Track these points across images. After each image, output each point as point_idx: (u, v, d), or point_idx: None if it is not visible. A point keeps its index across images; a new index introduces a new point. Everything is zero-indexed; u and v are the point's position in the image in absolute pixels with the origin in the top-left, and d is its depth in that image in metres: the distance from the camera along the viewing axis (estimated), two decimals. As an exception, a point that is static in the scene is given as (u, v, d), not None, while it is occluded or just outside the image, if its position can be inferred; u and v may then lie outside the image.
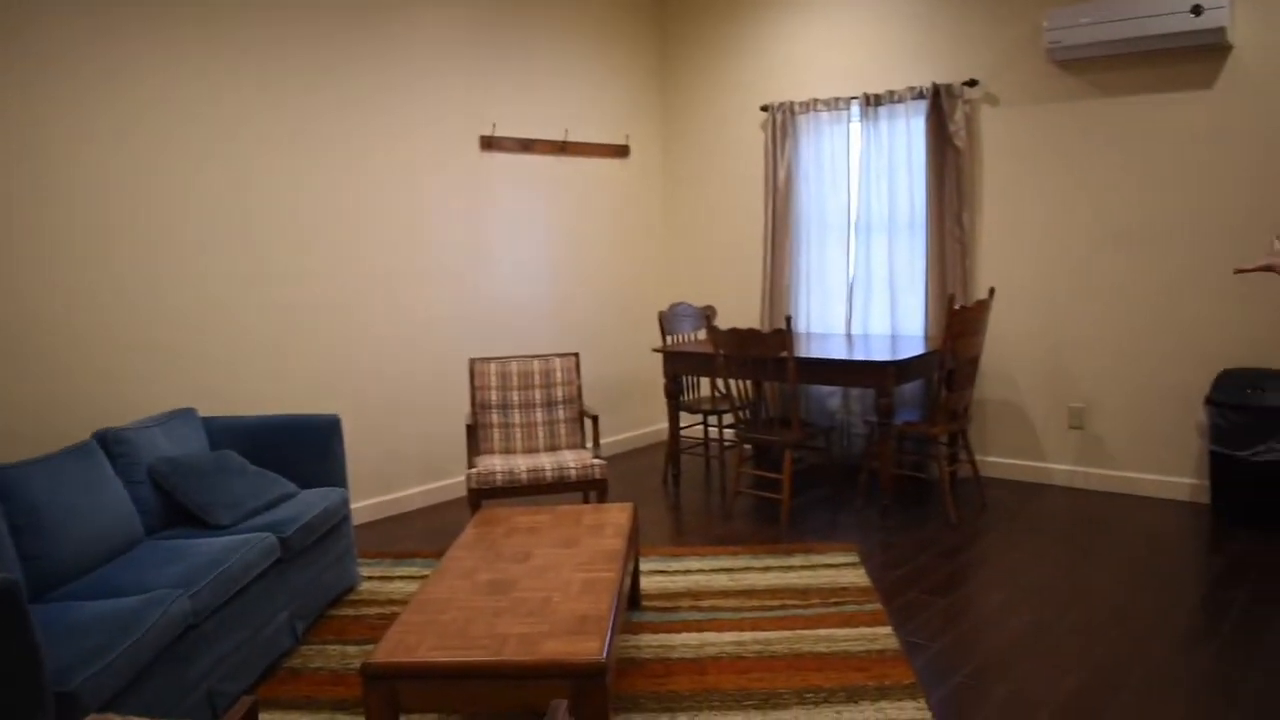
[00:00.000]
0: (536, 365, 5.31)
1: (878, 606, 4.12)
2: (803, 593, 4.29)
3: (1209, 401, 5.13)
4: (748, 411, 5.48)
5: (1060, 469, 5.96)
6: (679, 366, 6.05)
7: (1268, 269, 3.30)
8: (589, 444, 5.29)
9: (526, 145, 6.36)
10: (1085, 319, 5.79)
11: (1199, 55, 5.28)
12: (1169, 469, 5.61)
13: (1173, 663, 3.58)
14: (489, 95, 6.14)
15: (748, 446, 6.02)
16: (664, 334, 6.33)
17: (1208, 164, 5.34)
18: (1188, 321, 5.47)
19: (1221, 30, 5.01)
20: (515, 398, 5.24)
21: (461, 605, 3.11)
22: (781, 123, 6.60)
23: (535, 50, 6.42)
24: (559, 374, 5.32)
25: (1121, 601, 4.17)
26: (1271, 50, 5.11)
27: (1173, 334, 5.52)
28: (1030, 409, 6.03)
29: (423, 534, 5.38)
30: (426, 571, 4.70)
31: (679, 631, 3.92)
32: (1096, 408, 5.81)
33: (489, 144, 6.13)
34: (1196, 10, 4.99)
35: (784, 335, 5.07)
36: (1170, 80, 5.38)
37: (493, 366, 5.27)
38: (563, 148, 6.59)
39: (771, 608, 4.13)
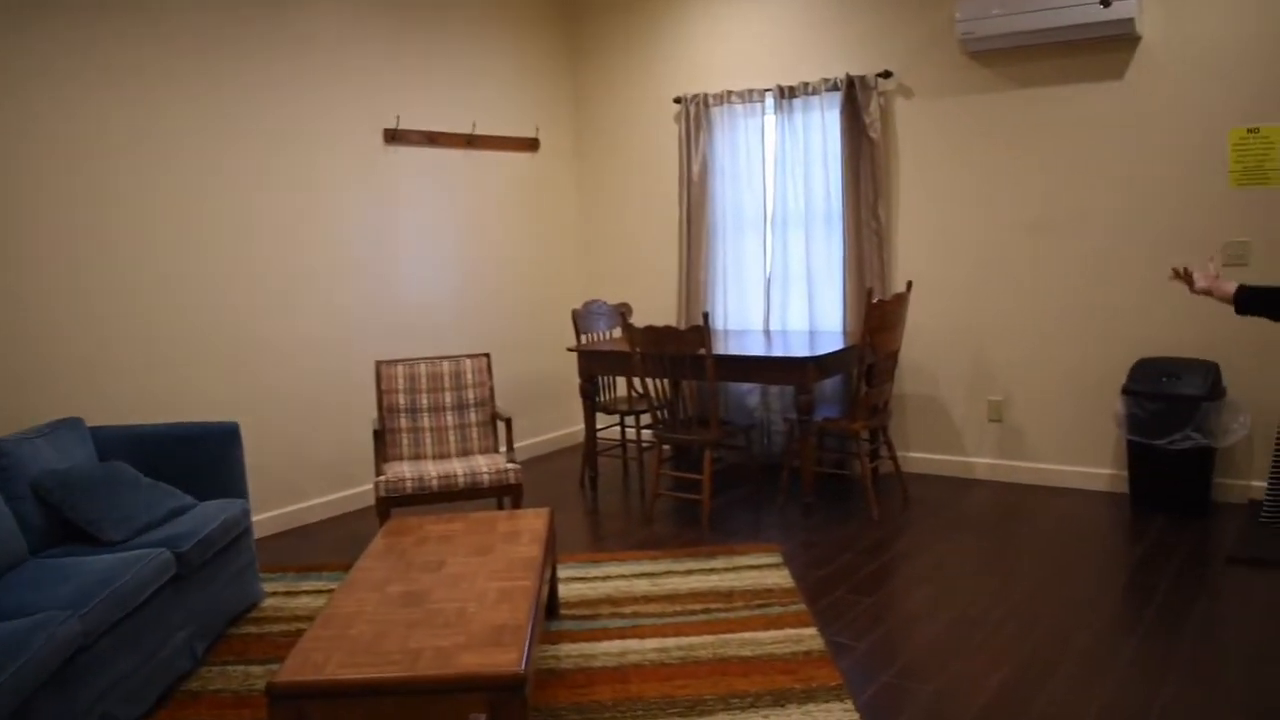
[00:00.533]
0: (446, 367, 5.24)
1: (802, 607, 4.13)
2: (726, 595, 4.29)
3: (1125, 391, 5.27)
4: (666, 411, 5.47)
5: (981, 462, 6.07)
6: (594, 366, 6.01)
7: (1206, 293, 3.46)
8: (503, 448, 5.23)
9: (433, 138, 6.27)
10: (1003, 311, 5.91)
11: (1109, 46, 5.42)
12: (1088, 459, 5.75)
13: (1098, 652, 3.66)
14: (392, 86, 6.04)
15: (666, 447, 6.02)
16: (578, 333, 6.29)
17: (1120, 153, 5.48)
18: (1104, 311, 5.62)
19: (1130, 21, 5.14)
20: (424, 401, 5.16)
21: (372, 619, 3.04)
22: (695, 115, 6.61)
23: (441, 40, 6.32)
24: (470, 375, 5.26)
25: (1045, 593, 4.25)
26: (1177, 41, 5.27)
27: (1089, 324, 5.66)
28: (950, 403, 6.13)
29: (330, 546, 5.28)
30: (334, 585, 4.59)
31: (600, 640, 3.89)
32: (1016, 400, 5.93)
33: (393, 137, 6.02)
34: (1105, 2, 5.12)
35: (701, 332, 5.06)
36: (1082, 71, 5.52)
37: (400, 369, 5.18)
38: (471, 140, 6.52)
39: (694, 612, 4.12)
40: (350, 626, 2.99)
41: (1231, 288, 3.52)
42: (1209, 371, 5.16)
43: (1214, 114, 5.22)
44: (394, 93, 6.06)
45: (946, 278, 6.05)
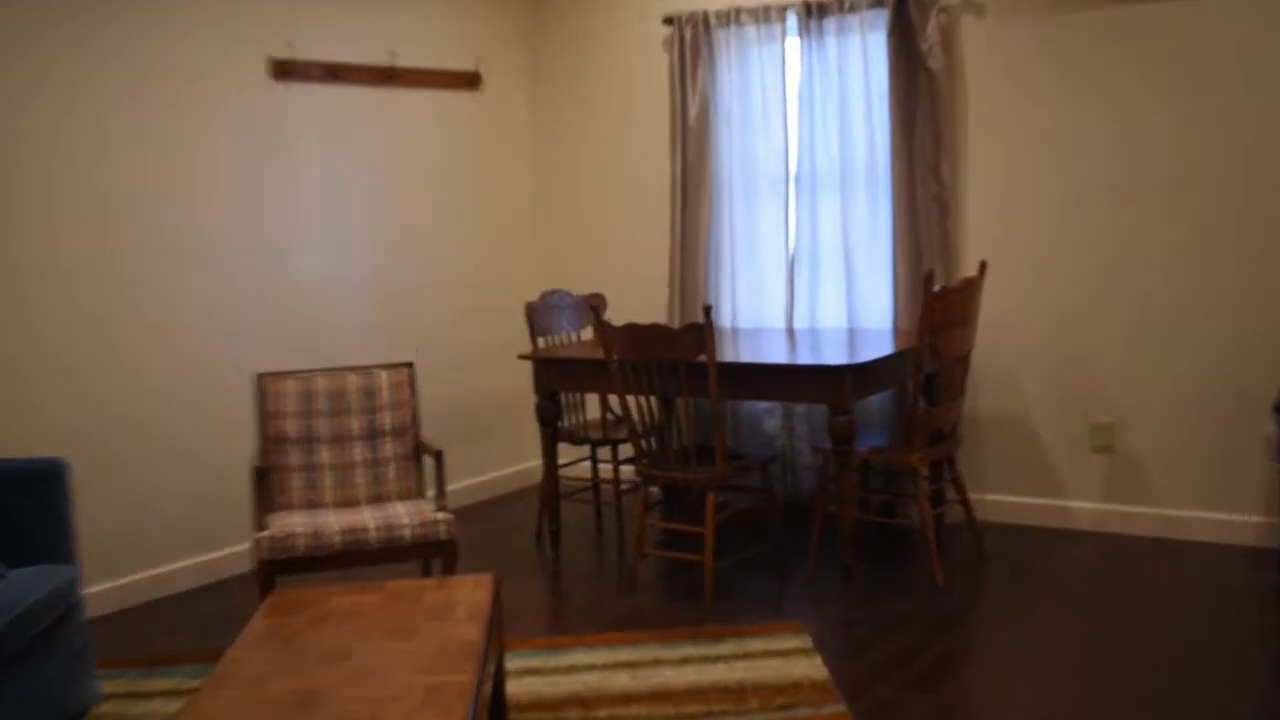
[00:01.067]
0: (354, 381, 5.19)
1: (840, 708, 4.08)
2: (737, 693, 4.23)
3: (1278, 410, 5.24)
4: (654, 440, 5.42)
5: (1083, 508, 6.05)
6: (556, 379, 5.96)
7: None
8: (430, 491, 5.17)
9: (336, 72, 6.22)
10: (1110, 302, 5.89)
11: (1253, -56, 5.41)
12: (1229, 503, 5.73)
13: (1246, 771, 3.61)
14: (282, 2, 5.98)
15: (655, 489, 5.95)
16: (534, 335, 6.24)
17: (1258, 87, 5.46)
18: (1251, 302, 5.60)
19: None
20: (324, 428, 5.11)
21: (246, 731, 2.94)
22: (693, 40, 6.59)
23: (344, -63, 6.29)
24: (386, 393, 5.20)
25: (1171, 691, 4.19)
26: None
27: (1232, 319, 5.64)
28: (1041, 427, 6.11)
29: (191, 628, 5.22)
30: (195, 683, 4.50)
31: (564, 755, 3.82)
32: (1130, 423, 5.91)
33: (283, 70, 5.98)
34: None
35: (702, 332, 5.02)
36: (1214, -21, 5.52)
37: (291, 385, 5.13)
38: (389, 75, 6.48)
39: (694, 715, 4.06)
40: (215, 741, 2.90)
41: None
42: (1392, 383, 5.13)
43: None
44: (284, 11, 6.00)
45: (1033, 257, 6.04)
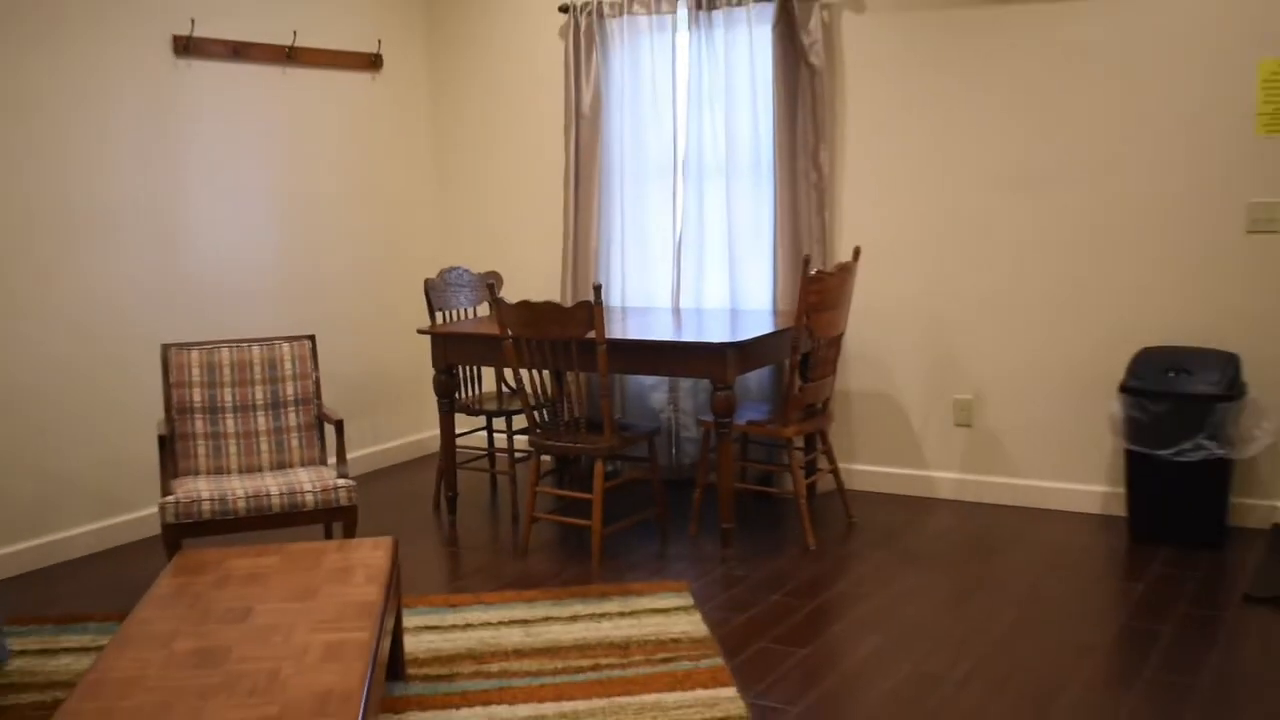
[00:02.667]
0: (257, 353, 5.15)
1: (719, 662, 4.16)
2: (622, 648, 4.29)
3: (1124, 389, 5.42)
4: (546, 412, 5.45)
5: (945, 478, 6.20)
6: (453, 353, 5.96)
7: None
8: (331, 459, 5.16)
9: (239, 50, 6.13)
10: (974, 288, 6.03)
11: (1107, -46, 5.56)
12: (1078, 474, 5.91)
13: (1085, 716, 3.75)
14: (186, -18, 5.91)
15: (547, 458, 6.00)
16: (432, 310, 6.23)
17: (1121, 91, 5.62)
18: (1098, 290, 5.77)
19: (1134, -77, 5.28)
20: (228, 398, 5.07)
21: (154, 686, 2.96)
22: (587, 29, 6.60)
23: (251, -78, 6.21)
24: (288, 365, 5.17)
25: (1022, 642, 4.34)
26: (1192, -49, 5.43)
27: (1081, 305, 5.81)
28: (907, 403, 6.24)
29: (98, 589, 5.15)
30: (104, 640, 4.48)
31: (458, 706, 3.85)
32: (989, 400, 6.06)
33: (185, 47, 5.88)
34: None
35: (591, 310, 5.06)
36: (1075, -17, 5.66)
37: (195, 356, 5.08)
38: (290, 55, 6.40)
39: (581, 669, 4.11)
40: (124, 697, 2.90)
41: None
42: (1227, 365, 5.33)
43: (1239, 41, 5.38)
44: (189, -10, 5.92)
45: (904, 245, 6.15)
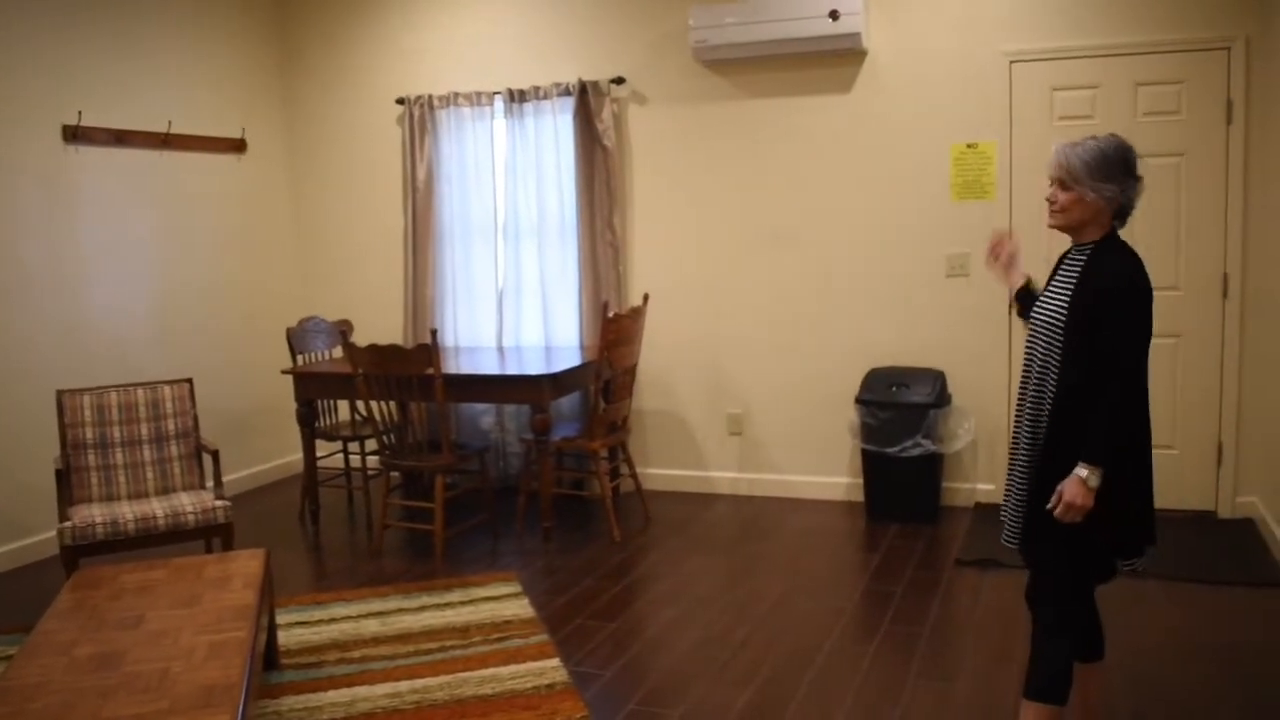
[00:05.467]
0: (142, 395, 4.94)
1: (544, 638, 4.17)
2: (463, 631, 4.26)
3: (859, 401, 5.63)
4: (393, 436, 5.38)
5: (722, 477, 6.31)
6: (312, 389, 5.84)
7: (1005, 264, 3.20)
8: (209, 483, 4.99)
9: (121, 137, 5.89)
10: (741, 323, 6.17)
11: (838, 60, 5.78)
12: (826, 469, 6.09)
13: (839, 663, 3.88)
14: (73, 76, 5.63)
15: (395, 474, 5.91)
16: (294, 353, 6.09)
17: (850, 166, 5.86)
18: (837, 322, 5.97)
19: (857, 35, 5.51)
20: (117, 434, 4.85)
21: (58, 689, 2.83)
22: (420, 117, 6.54)
23: (131, 24, 5.95)
24: (169, 404, 4.98)
25: (788, 607, 4.47)
26: (901, 56, 5.69)
27: (824, 335, 6.01)
28: (690, 417, 6.34)
29: (4, 606, 4.88)
30: (12, 651, 4.23)
31: (326, 689, 3.77)
32: (754, 413, 6.21)
33: (74, 134, 5.62)
34: (834, 15, 5.46)
35: (429, 350, 5.02)
36: (813, 83, 5.86)
37: (87, 399, 4.84)
38: (166, 140, 6.17)
39: (429, 651, 4.07)
40: (31, 699, 2.77)
41: (1018, 282, 3.18)
42: (935, 380, 5.58)
43: (936, 128, 5.67)
44: (75, 83, 5.65)
45: (684, 290, 6.26)
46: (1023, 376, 2.95)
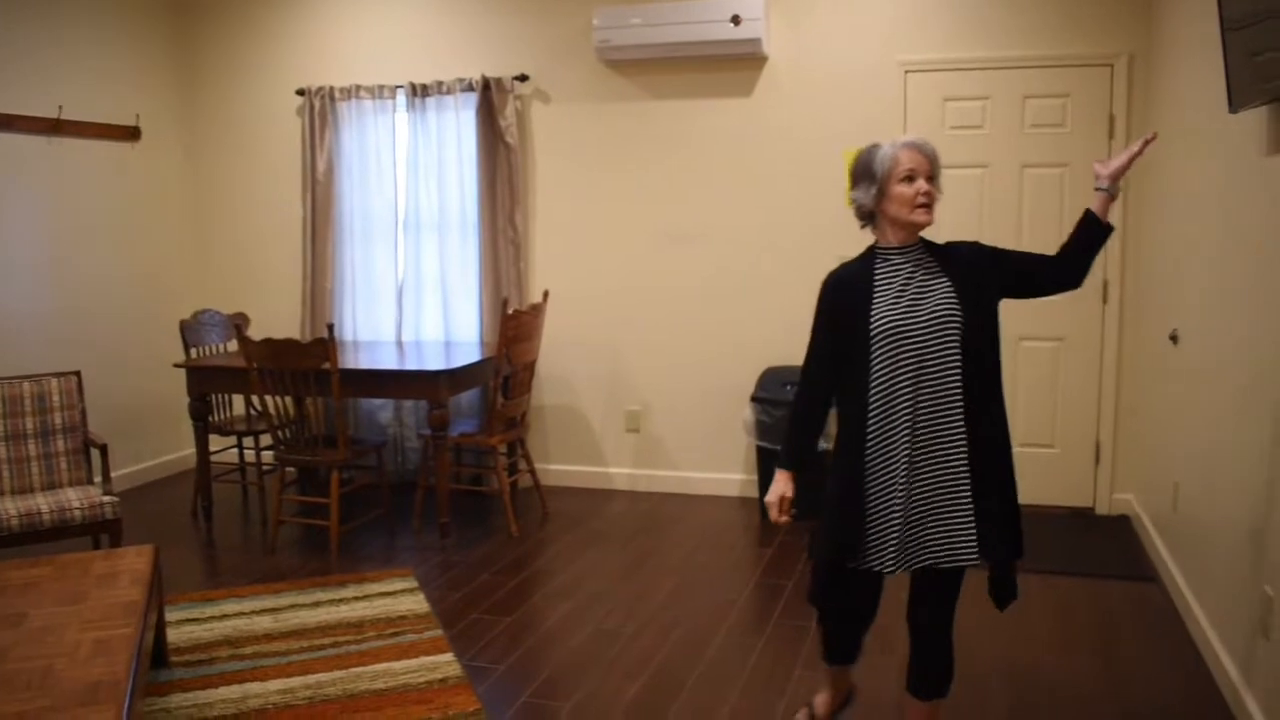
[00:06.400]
0: (27, 388, 4.83)
1: (439, 633, 4.19)
2: (357, 626, 4.26)
3: (754, 399, 5.74)
4: (288, 431, 5.34)
5: (620, 473, 6.37)
6: (206, 384, 5.76)
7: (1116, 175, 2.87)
8: (98, 479, 4.90)
9: (7, 122, 5.73)
10: (641, 321, 6.24)
11: (739, 64, 5.88)
12: (722, 466, 6.20)
13: (730, 654, 3.97)
14: (-47, 60, 5.49)
15: (290, 470, 5.85)
16: (187, 347, 5.99)
17: (749, 169, 5.96)
18: (735, 321, 6.08)
19: (758, 41, 5.62)
20: (1, 428, 4.73)
21: (-67, 687, 2.76)
22: (320, 109, 6.48)
23: (17, 6, 5.80)
24: (56, 397, 4.87)
25: (681, 600, 4.55)
26: (800, 62, 5.82)
27: (722, 334, 6.10)
28: (589, 414, 6.39)
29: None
30: (-117, 649, 4.11)
31: (216, 686, 3.75)
32: (653, 410, 6.28)
33: (-45, 119, 5.47)
34: (735, 20, 5.56)
35: (325, 345, 5.00)
36: (714, 87, 5.95)
37: (-32, 391, 4.72)
38: (56, 126, 6.02)
39: (323, 646, 4.06)
40: (-95, 697, 2.70)
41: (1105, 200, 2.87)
42: (827, 379, 5.70)
43: (832, 134, 5.80)
44: (-43, 68, 5.50)
45: (585, 288, 6.30)
46: (896, 392, 2.76)
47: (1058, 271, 2.86)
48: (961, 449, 2.77)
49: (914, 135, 2.88)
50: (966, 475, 2.77)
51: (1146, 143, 2.85)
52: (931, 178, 2.80)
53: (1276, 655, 3.13)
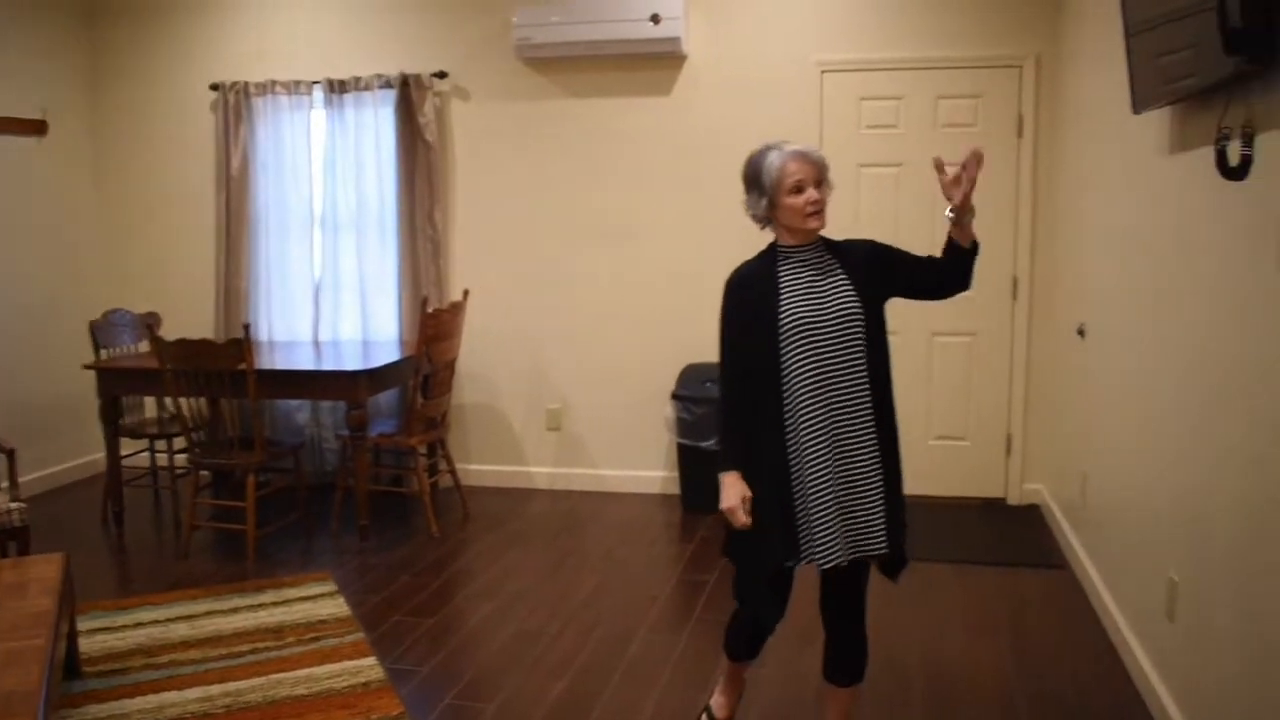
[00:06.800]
0: (-72, 392, 4.68)
1: (360, 636, 4.15)
2: (277, 632, 4.21)
3: (674, 396, 5.77)
4: (202, 433, 5.25)
5: (541, 472, 6.37)
6: (117, 385, 5.63)
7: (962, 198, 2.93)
8: (4, 484, 4.76)
9: (-97, 118, 5.56)
10: (561, 319, 6.24)
11: (659, 63, 5.91)
12: (643, 463, 6.23)
13: (653, 651, 4.00)
14: None
15: (205, 473, 5.76)
16: (97, 347, 5.85)
17: (669, 167, 6.00)
18: (655, 319, 6.11)
19: (677, 40, 5.66)
20: (-101, 433, 4.58)
21: None
22: (235, 105, 6.37)
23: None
24: (-40, 401, 4.73)
25: (604, 598, 4.57)
26: (718, 61, 5.86)
27: (643, 332, 6.14)
28: (510, 413, 6.38)
29: None
30: None
31: (132, 696, 3.67)
32: (573, 408, 6.29)
33: None
34: (655, 19, 5.59)
35: (241, 345, 4.92)
36: (634, 85, 5.97)
37: None
38: (-46, 122, 5.85)
39: (242, 653, 4.00)
40: None
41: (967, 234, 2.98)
42: (747, 376, 5.77)
43: (752, 132, 5.83)
44: None
45: (504, 286, 6.28)
46: (809, 387, 2.80)
47: (944, 277, 2.94)
48: (872, 440, 2.84)
49: (800, 144, 2.93)
50: (879, 465, 2.84)
51: (977, 163, 2.87)
52: (820, 183, 2.86)
53: (1181, 638, 3.24)
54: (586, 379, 6.25)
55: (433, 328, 5.36)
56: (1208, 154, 2.92)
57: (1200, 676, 3.06)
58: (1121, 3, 3.55)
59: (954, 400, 5.83)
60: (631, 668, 3.90)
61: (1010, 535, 5.36)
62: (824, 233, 2.92)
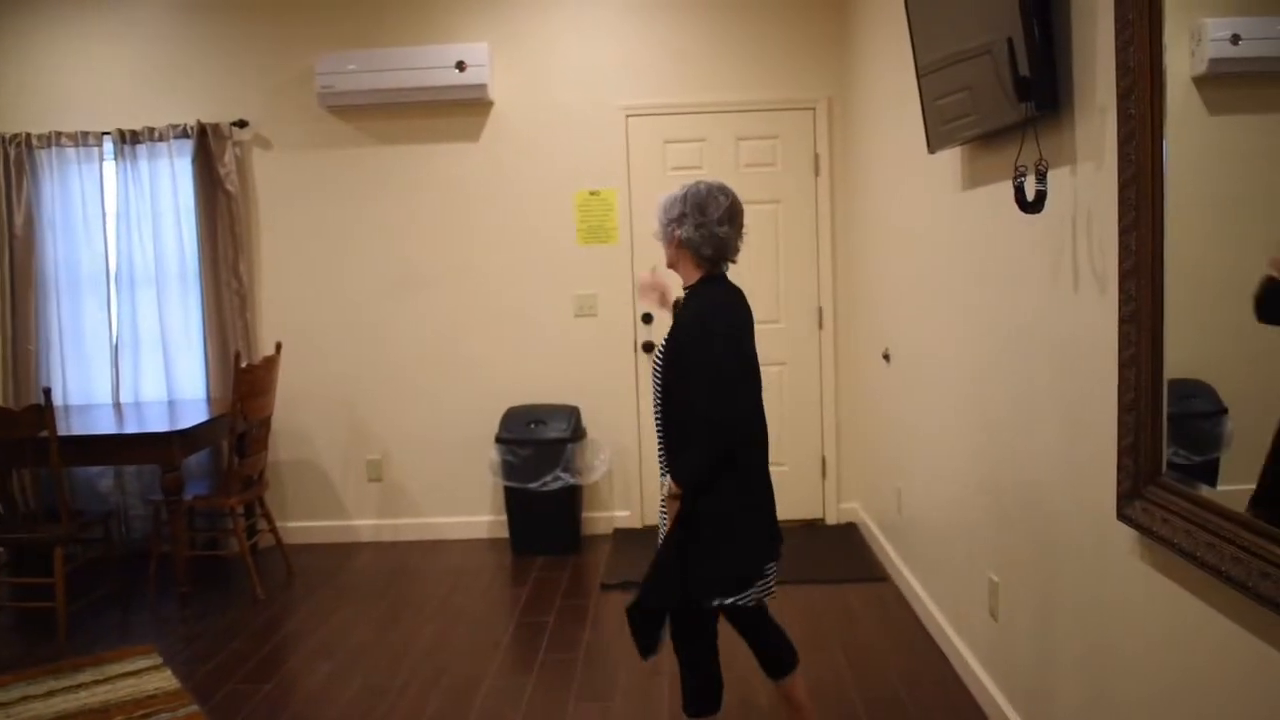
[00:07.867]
0: None
1: (194, 709, 3.97)
2: (102, 712, 3.97)
3: (498, 440, 5.77)
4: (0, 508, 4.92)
5: (365, 524, 6.24)
6: (-102, 461, 5.21)
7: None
8: None
9: None
10: (378, 368, 6.15)
11: (466, 109, 5.94)
12: (469, 509, 6.19)
13: (501, 695, 3.98)
14: None
15: (3, 550, 5.39)
16: None
17: (482, 212, 6.02)
18: (473, 364, 6.10)
19: (484, 86, 5.71)
20: None
21: None
22: (17, 158, 6.02)
23: None
24: None
25: (445, 647, 4.52)
26: (525, 107, 5.95)
27: (463, 377, 6.11)
28: (329, 466, 6.23)
29: None
30: None
31: (-55, 794, 3.41)
32: (394, 457, 6.20)
33: None
34: (460, 66, 5.62)
35: (42, 412, 4.66)
36: (442, 131, 5.98)
37: None
38: None
39: (65, 738, 3.77)
40: None
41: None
42: (571, 415, 5.83)
43: (562, 176, 5.96)
44: None
45: (318, 337, 6.16)
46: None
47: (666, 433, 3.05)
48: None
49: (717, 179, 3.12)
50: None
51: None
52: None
53: (1004, 634, 3.48)
54: (406, 427, 6.18)
55: (246, 384, 5.20)
56: (1005, 189, 3.17)
57: (1021, 665, 3.30)
58: (913, 47, 3.82)
59: (770, 427, 6.03)
60: (484, 714, 3.87)
61: (832, 553, 5.58)
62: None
